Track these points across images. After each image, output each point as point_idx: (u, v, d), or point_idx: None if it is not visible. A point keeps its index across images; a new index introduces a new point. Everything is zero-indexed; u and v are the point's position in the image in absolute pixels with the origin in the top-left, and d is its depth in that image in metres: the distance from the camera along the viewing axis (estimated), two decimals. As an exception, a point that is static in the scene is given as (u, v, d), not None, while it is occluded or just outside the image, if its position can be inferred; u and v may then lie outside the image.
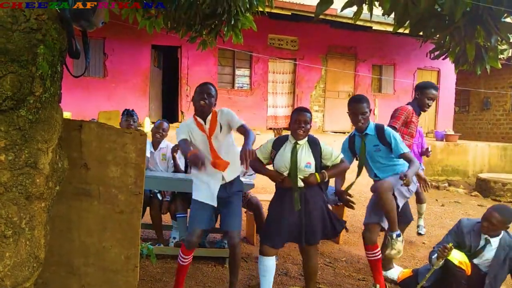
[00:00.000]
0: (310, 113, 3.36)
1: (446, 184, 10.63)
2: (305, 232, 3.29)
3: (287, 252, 4.65)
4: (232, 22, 4.22)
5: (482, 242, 3.43)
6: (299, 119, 3.27)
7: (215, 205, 3.34)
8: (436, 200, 8.79)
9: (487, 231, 3.38)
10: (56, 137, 1.97)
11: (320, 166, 3.35)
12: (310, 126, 3.33)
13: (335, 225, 3.41)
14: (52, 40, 1.84)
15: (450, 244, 3.36)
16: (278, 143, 3.40)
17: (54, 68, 1.91)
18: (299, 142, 3.31)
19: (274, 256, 3.40)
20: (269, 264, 3.36)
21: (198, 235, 3.39)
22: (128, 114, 4.85)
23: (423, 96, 4.33)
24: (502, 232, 3.42)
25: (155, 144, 4.83)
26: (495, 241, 3.39)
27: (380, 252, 3.74)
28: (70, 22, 1.94)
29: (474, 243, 3.47)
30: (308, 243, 3.34)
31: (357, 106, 3.70)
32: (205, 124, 3.33)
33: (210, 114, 3.35)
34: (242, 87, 12.48)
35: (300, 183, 3.30)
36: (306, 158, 3.30)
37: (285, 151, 3.32)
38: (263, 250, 3.33)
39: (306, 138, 3.35)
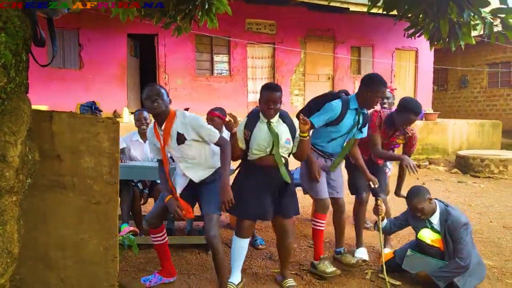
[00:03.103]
0: (280, 90, 3.23)
1: (427, 163, 10.77)
2: (283, 205, 3.30)
3: (271, 236, 4.65)
4: (206, 7, 4.14)
5: (425, 223, 3.57)
6: (269, 99, 3.16)
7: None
8: (417, 178, 8.89)
9: (424, 215, 3.51)
10: (24, 129, 1.91)
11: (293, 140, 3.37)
12: (281, 103, 3.24)
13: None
14: (14, 27, 1.77)
15: (380, 200, 3.68)
16: (250, 123, 3.30)
17: (19, 57, 1.85)
18: (271, 120, 3.26)
19: (249, 238, 3.41)
20: (245, 245, 3.37)
21: (158, 213, 3.31)
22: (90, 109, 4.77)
23: (406, 115, 3.93)
24: (437, 206, 3.53)
25: (143, 136, 4.70)
26: (435, 218, 3.51)
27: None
28: (32, 9, 1.87)
29: (419, 225, 3.62)
30: (286, 215, 3.34)
31: (384, 90, 3.69)
32: (161, 130, 3.17)
33: (166, 119, 3.14)
34: (221, 74, 12.38)
35: (280, 160, 3.28)
36: (285, 134, 3.27)
37: (262, 130, 3.24)
38: (242, 228, 3.30)
39: (277, 114, 3.30)
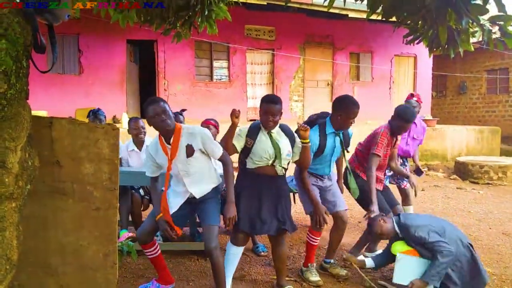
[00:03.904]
0: (280, 102, 3.27)
1: (426, 169, 10.78)
2: (278, 220, 3.32)
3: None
4: (206, 13, 4.16)
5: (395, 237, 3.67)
6: (267, 111, 3.21)
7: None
8: (417, 184, 8.89)
9: (388, 236, 3.65)
10: (24, 135, 1.91)
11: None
12: (280, 115, 3.28)
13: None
14: (15, 34, 1.78)
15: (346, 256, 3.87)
16: (252, 132, 3.33)
17: (19, 63, 1.85)
18: (272, 131, 3.30)
19: (243, 246, 3.43)
20: (239, 252, 3.40)
21: (150, 229, 3.29)
22: (95, 115, 4.76)
23: (399, 123, 4.03)
24: (394, 222, 3.62)
25: (139, 144, 4.71)
26: (400, 233, 3.60)
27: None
28: (33, 16, 1.88)
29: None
30: (282, 231, 3.37)
31: (356, 111, 3.59)
32: (169, 145, 3.13)
33: (173, 133, 3.12)
34: (220, 79, 12.40)
35: (281, 171, 3.34)
36: (286, 146, 3.33)
37: (265, 141, 3.28)
38: (237, 238, 3.33)
39: (278, 126, 3.35)
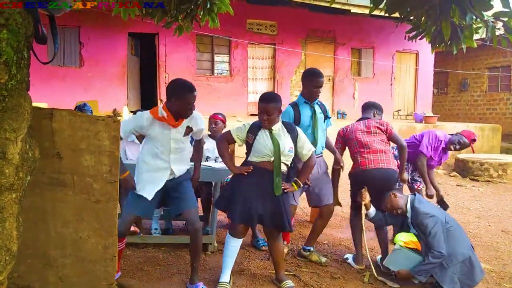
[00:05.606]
0: (275, 100, 3.26)
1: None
2: (276, 217, 3.30)
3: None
4: (208, 6, 4.15)
5: (400, 222, 3.78)
6: (262, 110, 3.25)
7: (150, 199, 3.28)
8: (416, 181, 8.89)
9: (398, 210, 3.71)
10: (25, 126, 1.90)
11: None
12: (279, 113, 3.29)
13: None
14: (16, 24, 1.76)
15: (364, 189, 3.86)
16: (253, 128, 3.36)
17: (20, 54, 1.84)
18: (273, 128, 3.30)
19: (242, 239, 3.47)
20: (238, 245, 3.45)
21: (130, 221, 3.32)
22: (80, 111, 4.77)
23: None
24: (409, 201, 3.67)
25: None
26: (409, 213, 3.67)
27: None
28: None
29: (396, 222, 3.85)
30: (279, 229, 3.40)
31: (318, 80, 3.91)
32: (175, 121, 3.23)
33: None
34: (221, 74, 12.37)
35: (284, 168, 3.32)
36: (288, 143, 3.32)
37: (265, 138, 3.30)
38: (236, 230, 3.38)
39: (279, 123, 3.35)
